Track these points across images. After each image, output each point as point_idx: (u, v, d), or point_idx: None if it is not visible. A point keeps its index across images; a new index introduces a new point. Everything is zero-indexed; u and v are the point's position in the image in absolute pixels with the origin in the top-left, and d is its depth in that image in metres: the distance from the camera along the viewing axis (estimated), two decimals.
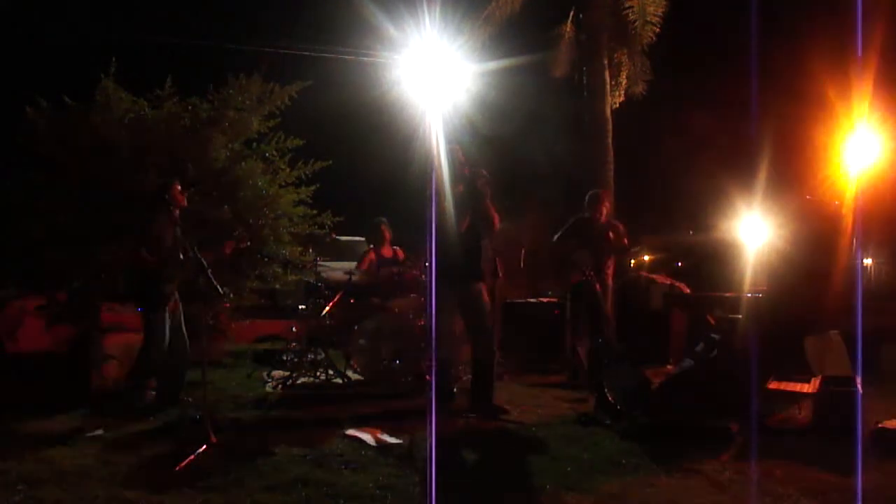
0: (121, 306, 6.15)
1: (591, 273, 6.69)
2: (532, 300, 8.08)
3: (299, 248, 7.74)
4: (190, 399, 5.15)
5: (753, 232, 9.90)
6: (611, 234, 6.64)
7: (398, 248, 7.09)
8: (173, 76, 7.25)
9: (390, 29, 8.58)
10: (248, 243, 5.05)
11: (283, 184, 7.70)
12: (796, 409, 4.75)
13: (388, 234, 7.04)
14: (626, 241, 6.76)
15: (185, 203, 5.25)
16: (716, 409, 4.38)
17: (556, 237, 6.75)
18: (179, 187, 5.21)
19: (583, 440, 4.15)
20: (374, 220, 7.13)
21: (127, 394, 4.99)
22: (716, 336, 4.88)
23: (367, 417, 4.70)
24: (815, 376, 4.84)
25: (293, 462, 3.66)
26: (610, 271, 6.69)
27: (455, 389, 5.35)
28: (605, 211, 6.82)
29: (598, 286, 6.61)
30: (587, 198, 6.83)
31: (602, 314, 6.52)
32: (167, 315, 5.05)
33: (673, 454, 3.83)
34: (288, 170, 7.72)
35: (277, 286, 8.15)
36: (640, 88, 11.45)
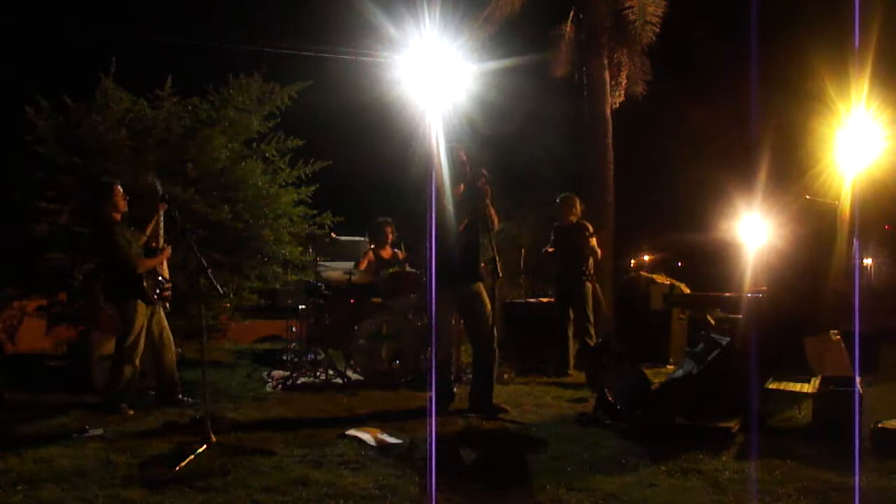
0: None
1: (590, 273, 6.83)
2: (532, 300, 8.09)
3: (299, 248, 7.74)
4: (190, 399, 5.15)
5: (753, 232, 9.90)
6: (580, 237, 6.79)
7: (398, 250, 7.09)
8: (173, 76, 7.25)
9: (390, 29, 8.59)
10: (167, 203, 5.09)
11: (283, 184, 7.70)
12: (796, 409, 4.75)
13: (390, 236, 7.04)
14: (592, 241, 6.82)
15: (125, 207, 5.09)
16: (716, 409, 4.39)
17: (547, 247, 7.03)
18: (121, 189, 5.08)
19: (583, 440, 4.15)
20: (378, 219, 7.13)
21: (112, 396, 4.94)
22: (725, 338, 4.87)
23: (367, 417, 4.71)
24: (815, 376, 4.84)
25: (293, 462, 3.66)
26: (588, 271, 6.83)
27: (455, 389, 5.35)
28: (571, 214, 6.93)
29: (590, 287, 6.77)
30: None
31: (586, 313, 6.68)
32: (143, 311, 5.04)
33: (673, 454, 3.83)
34: (288, 170, 7.73)
35: (277, 286, 8.16)
36: (640, 88, 11.43)
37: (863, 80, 8.27)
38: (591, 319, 6.83)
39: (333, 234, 7.44)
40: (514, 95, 11.57)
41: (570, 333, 6.92)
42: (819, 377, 4.75)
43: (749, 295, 5.72)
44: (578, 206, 7.09)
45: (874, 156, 8.92)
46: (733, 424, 4.24)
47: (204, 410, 4.07)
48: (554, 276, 7.22)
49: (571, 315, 6.89)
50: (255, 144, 7.61)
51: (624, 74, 11.33)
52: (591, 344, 6.59)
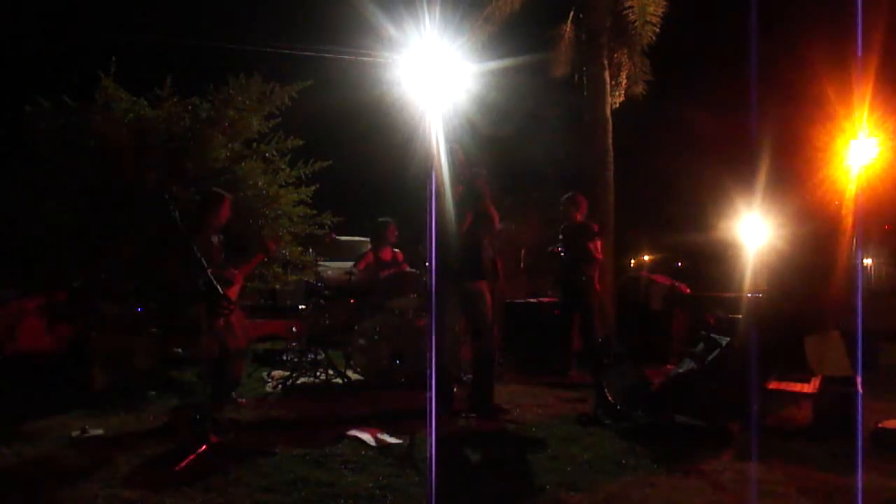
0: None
1: (590, 274, 6.83)
2: (532, 300, 8.09)
3: (299, 248, 7.74)
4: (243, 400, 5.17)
5: (753, 232, 9.91)
6: (585, 237, 6.78)
7: (398, 251, 7.08)
8: (173, 76, 7.24)
9: (390, 29, 8.58)
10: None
11: (284, 184, 7.69)
12: (796, 409, 4.75)
13: (391, 237, 7.03)
14: (588, 243, 6.80)
15: (223, 222, 5.29)
16: (716, 409, 4.39)
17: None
18: (230, 203, 5.25)
19: (583, 440, 4.15)
20: (378, 219, 7.12)
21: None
22: (725, 338, 4.87)
23: (367, 417, 4.71)
24: (815, 376, 4.84)
25: (293, 462, 3.66)
26: (591, 272, 6.80)
27: (455, 389, 5.35)
28: (578, 213, 6.92)
29: (593, 288, 6.76)
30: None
31: (590, 314, 6.68)
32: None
33: (673, 454, 3.83)
34: (288, 170, 7.72)
35: (277, 286, 8.15)
36: (640, 88, 11.41)
37: (865, 78, 8.27)
38: (597, 320, 6.83)
39: (333, 235, 7.45)
40: (514, 95, 11.56)
41: (574, 334, 6.91)
42: (819, 377, 4.76)
43: (749, 295, 5.72)
44: (584, 205, 7.08)
45: (875, 155, 8.92)
46: (733, 424, 4.24)
47: (204, 410, 4.07)
48: (560, 275, 7.18)
49: (576, 315, 6.89)
50: (255, 144, 7.60)
51: (624, 74, 11.31)
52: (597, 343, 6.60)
